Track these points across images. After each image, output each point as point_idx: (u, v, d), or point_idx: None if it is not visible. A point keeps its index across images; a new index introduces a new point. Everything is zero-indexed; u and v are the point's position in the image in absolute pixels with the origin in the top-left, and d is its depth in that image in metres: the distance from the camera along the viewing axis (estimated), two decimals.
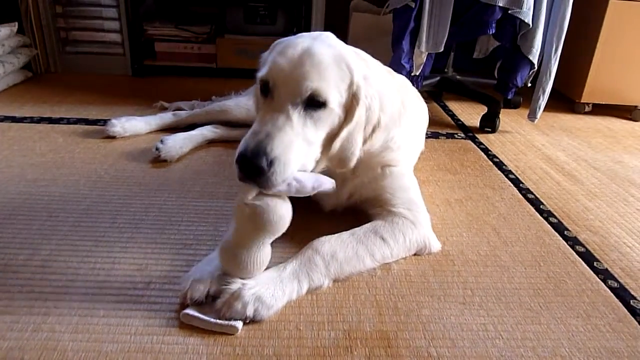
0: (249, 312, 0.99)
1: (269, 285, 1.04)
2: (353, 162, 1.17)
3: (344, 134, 1.10)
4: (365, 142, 1.16)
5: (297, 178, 1.03)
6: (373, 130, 1.16)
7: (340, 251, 1.15)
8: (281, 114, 1.01)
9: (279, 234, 1.04)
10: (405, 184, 1.35)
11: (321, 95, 1.03)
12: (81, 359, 0.90)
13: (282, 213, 1.01)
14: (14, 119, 2.09)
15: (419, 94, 1.66)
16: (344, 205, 1.38)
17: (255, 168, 0.96)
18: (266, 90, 1.06)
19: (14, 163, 1.67)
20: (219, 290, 1.03)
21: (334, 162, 1.17)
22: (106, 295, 1.06)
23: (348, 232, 1.21)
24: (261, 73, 1.08)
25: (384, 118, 1.16)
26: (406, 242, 1.25)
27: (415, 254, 1.29)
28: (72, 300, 1.04)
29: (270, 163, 0.97)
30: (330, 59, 1.06)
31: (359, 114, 1.09)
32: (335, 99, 1.06)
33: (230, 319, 0.98)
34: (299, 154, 1.03)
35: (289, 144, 1.00)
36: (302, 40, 1.08)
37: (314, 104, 1.03)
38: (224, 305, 0.99)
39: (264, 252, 1.06)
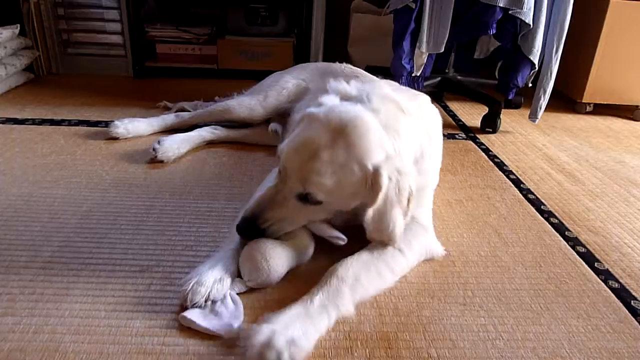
0: (285, 358, 0.88)
1: (299, 324, 0.95)
2: (397, 238, 1.15)
3: (370, 213, 1.10)
4: (406, 214, 1.14)
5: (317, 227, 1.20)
6: (409, 201, 1.12)
7: (364, 274, 1.10)
8: (280, 196, 1.13)
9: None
10: (423, 192, 1.32)
11: (315, 198, 1.10)
12: None
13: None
14: (15, 121, 2.10)
15: (435, 110, 1.56)
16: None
17: (251, 234, 1.13)
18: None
19: (16, 165, 1.67)
20: (219, 294, 1.04)
21: (375, 238, 1.16)
22: (107, 297, 1.07)
23: (366, 250, 1.16)
24: (281, 147, 1.15)
25: (414, 186, 1.13)
26: (420, 249, 1.24)
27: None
28: (73, 302, 1.05)
29: (264, 230, 1.13)
30: (341, 165, 1.07)
31: (382, 197, 1.08)
32: (335, 197, 1.11)
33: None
34: (292, 223, 1.16)
35: (281, 217, 1.14)
36: (322, 134, 1.08)
37: (310, 200, 1.11)
38: (256, 357, 0.88)
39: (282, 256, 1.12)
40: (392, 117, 1.17)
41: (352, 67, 1.89)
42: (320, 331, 0.98)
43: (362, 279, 1.09)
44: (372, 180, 1.08)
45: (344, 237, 1.19)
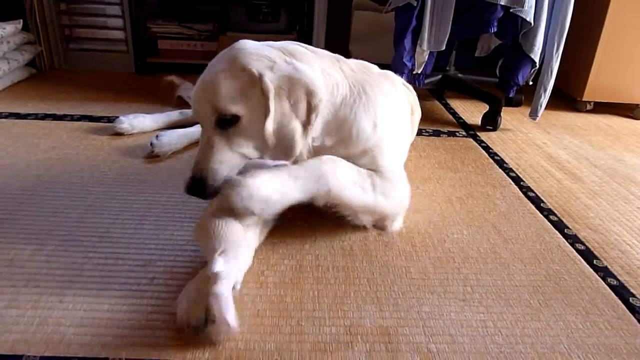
0: (256, 209, 1.03)
1: (277, 185, 1.07)
2: (297, 150, 1.17)
3: (268, 126, 1.11)
4: (305, 127, 1.16)
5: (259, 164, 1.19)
6: (309, 113, 1.15)
7: (345, 175, 1.19)
8: (205, 142, 1.14)
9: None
10: (382, 158, 1.34)
11: (225, 113, 1.10)
12: (86, 353, 0.92)
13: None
14: (18, 116, 2.10)
15: (392, 78, 1.52)
16: None
17: (198, 191, 1.12)
18: None
19: (19, 159, 1.68)
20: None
21: (278, 153, 1.18)
22: (110, 291, 1.08)
23: (351, 164, 1.25)
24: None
25: (315, 100, 1.14)
26: (397, 197, 1.30)
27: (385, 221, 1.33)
28: (76, 295, 1.06)
29: (210, 184, 1.12)
30: (230, 75, 1.11)
31: (272, 104, 1.10)
32: (243, 106, 1.11)
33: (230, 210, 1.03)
34: (228, 163, 1.14)
35: (214, 161, 1.12)
36: (212, 68, 1.16)
37: (227, 122, 1.11)
38: (235, 200, 1.03)
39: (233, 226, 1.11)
40: (266, 47, 1.20)
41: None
42: (293, 197, 1.11)
43: (340, 177, 1.17)
44: (261, 87, 1.10)
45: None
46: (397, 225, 1.35)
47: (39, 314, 1.00)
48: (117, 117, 1.97)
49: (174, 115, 2.07)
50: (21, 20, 2.60)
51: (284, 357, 0.94)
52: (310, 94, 1.14)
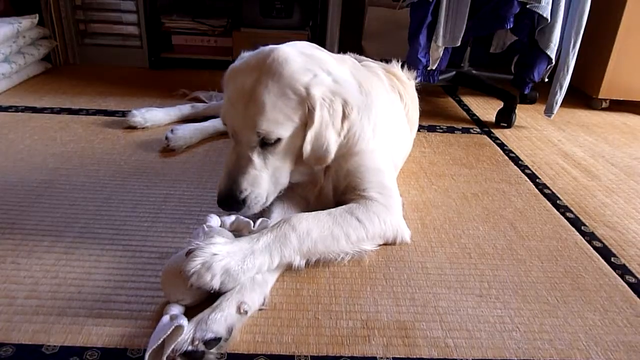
0: (216, 284, 0.97)
1: (239, 257, 1.02)
2: (330, 157, 1.21)
3: (309, 136, 1.15)
4: (339, 134, 1.20)
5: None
6: (342, 121, 1.18)
7: (316, 230, 1.13)
8: (243, 158, 1.15)
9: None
10: (375, 167, 1.33)
11: (272, 136, 1.12)
12: (105, 343, 0.93)
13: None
14: (34, 110, 2.12)
15: (376, 72, 1.53)
16: (332, 203, 1.34)
17: (233, 206, 1.16)
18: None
19: (36, 152, 1.70)
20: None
21: (311, 162, 1.20)
22: (128, 282, 1.09)
23: (325, 211, 1.20)
24: (221, 114, 1.21)
25: (349, 108, 1.18)
26: (381, 225, 1.24)
27: (389, 244, 1.28)
28: (95, 286, 1.07)
29: (244, 200, 1.15)
30: (276, 95, 1.11)
31: (318, 116, 1.13)
32: (288, 128, 1.13)
33: (197, 287, 0.97)
34: (267, 182, 1.18)
35: (254, 180, 1.16)
36: (247, 79, 1.13)
37: (269, 142, 1.14)
38: (194, 274, 0.95)
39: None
40: (301, 54, 1.19)
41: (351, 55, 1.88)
42: (258, 268, 1.04)
43: (313, 234, 1.13)
44: (308, 102, 1.12)
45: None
46: (406, 237, 1.30)
47: (58, 305, 1.01)
48: (131, 110, 1.99)
49: (185, 109, 2.09)
50: (37, 15, 2.63)
51: (301, 350, 0.95)
52: (345, 104, 1.17)
